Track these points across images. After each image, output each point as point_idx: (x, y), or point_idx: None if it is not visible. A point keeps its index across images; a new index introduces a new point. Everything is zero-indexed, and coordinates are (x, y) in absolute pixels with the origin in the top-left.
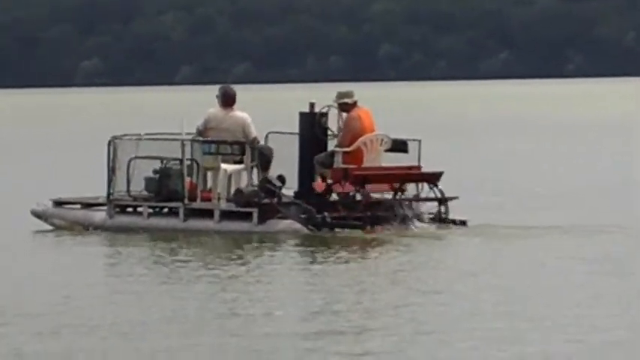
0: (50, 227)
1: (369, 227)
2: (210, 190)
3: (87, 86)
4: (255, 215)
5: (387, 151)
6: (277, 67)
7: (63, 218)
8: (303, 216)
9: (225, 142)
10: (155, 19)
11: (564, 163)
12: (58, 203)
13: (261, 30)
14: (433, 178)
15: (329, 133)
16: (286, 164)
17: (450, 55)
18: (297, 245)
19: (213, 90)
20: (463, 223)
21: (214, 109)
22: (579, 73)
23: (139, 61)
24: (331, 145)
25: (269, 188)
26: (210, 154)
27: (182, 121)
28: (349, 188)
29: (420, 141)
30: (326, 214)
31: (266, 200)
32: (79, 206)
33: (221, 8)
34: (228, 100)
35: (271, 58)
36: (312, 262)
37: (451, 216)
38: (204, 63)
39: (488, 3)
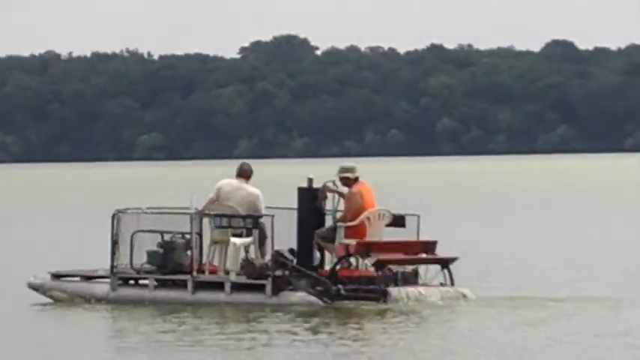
0: (48, 300)
1: (382, 299)
2: (204, 264)
3: (146, 160)
4: (268, 287)
5: (386, 225)
6: (336, 140)
7: (63, 291)
8: (318, 288)
9: (237, 216)
10: (214, 92)
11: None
12: (56, 276)
13: (321, 104)
14: (448, 263)
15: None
16: (279, 238)
17: (509, 130)
18: (311, 317)
19: (272, 164)
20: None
21: (228, 179)
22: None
23: (197, 134)
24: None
25: (281, 261)
26: (222, 227)
27: (191, 196)
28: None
29: (419, 216)
30: (340, 286)
31: (279, 272)
32: (77, 279)
33: (280, 82)
34: (242, 173)
35: (330, 132)
36: (327, 335)
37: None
38: (263, 137)
39: (547, 77)
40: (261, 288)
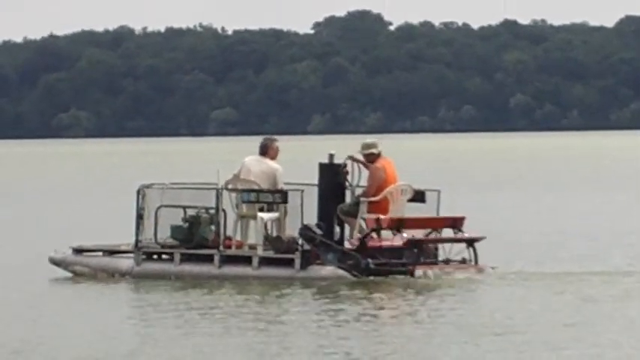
0: (69, 274)
1: (414, 271)
2: (229, 238)
3: (219, 135)
4: (297, 261)
5: (407, 200)
6: (409, 116)
7: (86, 265)
8: (349, 262)
9: (266, 191)
10: (288, 67)
11: None
12: (78, 251)
13: (394, 79)
14: (457, 223)
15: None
16: (293, 213)
17: (582, 105)
18: (342, 291)
19: (346, 139)
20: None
21: (250, 156)
22: None
23: (271, 110)
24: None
25: (309, 235)
26: (250, 202)
27: (218, 171)
28: (385, 238)
29: (439, 191)
30: (369, 260)
31: (307, 247)
32: (100, 253)
33: (354, 57)
34: (262, 150)
35: (403, 108)
36: (356, 310)
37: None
38: (337, 112)
39: (621, 52)
40: (289, 262)
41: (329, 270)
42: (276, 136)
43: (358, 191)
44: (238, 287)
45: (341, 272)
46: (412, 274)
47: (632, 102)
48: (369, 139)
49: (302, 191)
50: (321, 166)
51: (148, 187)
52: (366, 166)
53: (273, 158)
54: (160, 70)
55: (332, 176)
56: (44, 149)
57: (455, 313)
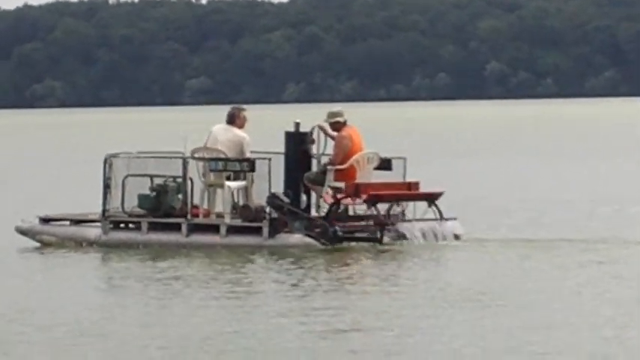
0: (37, 244)
1: (382, 240)
2: (196, 207)
3: (194, 104)
4: (265, 230)
5: (374, 168)
6: (384, 84)
7: (54, 235)
8: (316, 230)
9: (234, 160)
10: (263, 36)
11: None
12: (45, 220)
13: (369, 47)
14: (434, 197)
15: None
16: (260, 182)
17: (557, 73)
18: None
19: (321, 107)
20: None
21: (218, 125)
22: None
23: (246, 79)
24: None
25: (277, 203)
26: (217, 170)
27: (185, 139)
28: (359, 203)
29: (405, 159)
30: (337, 227)
31: (275, 215)
32: (67, 223)
33: (328, 26)
34: (229, 118)
35: (378, 76)
36: (324, 278)
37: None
38: (312, 80)
39: (596, 20)
40: (257, 230)
41: (297, 238)
42: (245, 105)
43: (324, 159)
44: (206, 255)
45: (309, 240)
46: (381, 241)
47: (607, 70)
48: (335, 107)
49: (269, 160)
50: (287, 134)
51: (115, 156)
52: (332, 138)
53: (240, 127)
54: (135, 40)
55: (298, 144)
56: (18, 119)
57: (425, 279)
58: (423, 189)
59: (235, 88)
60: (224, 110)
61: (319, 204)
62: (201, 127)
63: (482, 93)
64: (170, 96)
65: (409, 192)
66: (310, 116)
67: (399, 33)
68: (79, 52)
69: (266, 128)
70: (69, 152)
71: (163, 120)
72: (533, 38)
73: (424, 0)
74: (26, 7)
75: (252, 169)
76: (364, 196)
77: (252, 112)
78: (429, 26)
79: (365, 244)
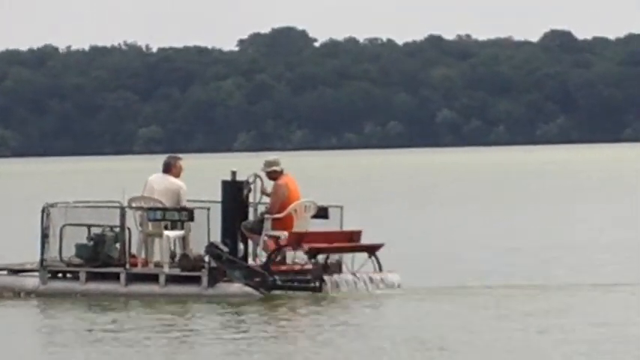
0: None
1: (318, 288)
2: (134, 256)
3: (146, 153)
4: (204, 279)
5: (311, 217)
6: (336, 132)
7: None
8: (256, 279)
9: (172, 209)
10: (213, 84)
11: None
12: None
13: (320, 96)
14: (374, 250)
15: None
16: (200, 231)
17: (508, 120)
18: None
19: (272, 156)
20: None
21: (154, 174)
22: (637, 137)
23: (197, 127)
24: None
25: (216, 252)
26: (156, 220)
27: (123, 189)
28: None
29: (342, 207)
30: (276, 277)
31: (214, 264)
32: (4, 272)
33: (279, 74)
34: (165, 167)
35: (330, 124)
36: (265, 326)
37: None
38: (263, 129)
39: (546, 67)
40: (196, 280)
41: (236, 287)
42: (196, 154)
43: (261, 208)
44: (145, 305)
45: (248, 289)
46: (320, 290)
47: (558, 116)
48: (271, 156)
49: (208, 209)
50: (224, 183)
51: (53, 205)
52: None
53: (176, 176)
54: (86, 89)
55: (235, 193)
56: None
57: (360, 328)
58: (364, 239)
59: (186, 136)
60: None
61: (256, 253)
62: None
63: (434, 141)
64: (122, 145)
65: (350, 244)
66: (259, 164)
67: (349, 81)
68: (30, 102)
69: (214, 177)
70: (11, 202)
71: (114, 169)
72: (485, 86)
73: (375, 48)
74: None
75: (191, 219)
76: (306, 247)
77: (202, 160)
78: (380, 74)
79: (303, 293)
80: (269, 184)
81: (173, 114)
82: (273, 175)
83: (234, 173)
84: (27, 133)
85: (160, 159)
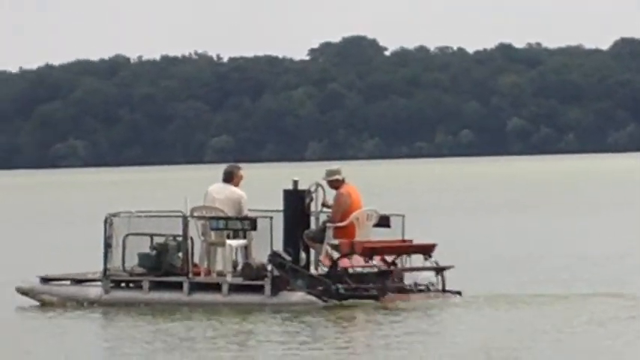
0: (37, 303)
1: (383, 297)
2: (196, 266)
3: (217, 163)
4: (267, 287)
5: (373, 226)
6: (407, 141)
7: (55, 294)
8: (319, 288)
9: (235, 218)
10: (284, 94)
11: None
12: (46, 280)
13: (391, 105)
14: (429, 250)
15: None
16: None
17: (578, 128)
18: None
19: (344, 164)
20: (459, 293)
21: (215, 184)
22: None
23: (268, 137)
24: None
25: (279, 261)
26: (219, 229)
27: (185, 199)
28: (356, 263)
29: (403, 216)
30: (339, 285)
31: (277, 273)
32: (67, 282)
33: (350, 83)
34: (226, 177)
35: (401, 133)
36: (327, 335)
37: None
38: (334, 138)
39: (616, 74)
40: (259, 289)
41: (299, 296)
42: (267, 163)
43: (323, 217)
44: (209, 314)
45: (311, 298)
46: (384, 295)
47: (629, 124)
48: (333, 166)
49: (271, 218)
50: (286, 192)
51: (115, 215)
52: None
53: (237, 185)
54: (156, 99)
55: (297, 202)
56: (40, 179)
57: (422, 339)
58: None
59: (257, 145)
60: (247, 168)
61: (318, 261)
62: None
63: (504, 149)
64: (192, 155)
65: (404, 244)
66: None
67: (420, 90)
68: (100, 112)
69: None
70: (78, 211)
71: (187, 178)
72: (555, 93)
73: (445, 57)
74: (47, 66)
75: (254, 228)
76: (359, 251)
77: (274, 170)
78: (450, 83)
79: (367, 301)
80: (331, 193)
81: (244, 123)
82: (335, 184)
83: (296, 182)
84: (97, 143)
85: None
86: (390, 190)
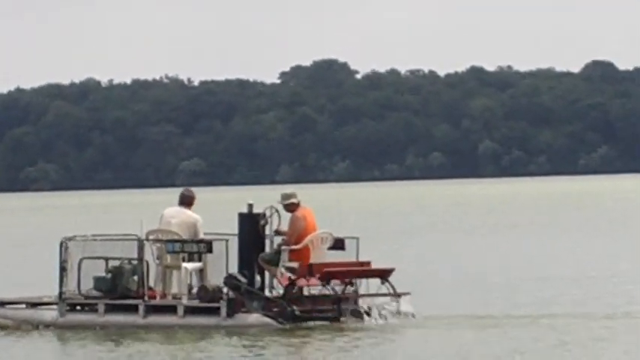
0: None
1: (339, 320)
2: (151, 289)
3: (188, 186)
4: (223, 310)
5: (328, 248)
6: (378, 164)
7: (10, 318)
8: (274, 309)
9: (190, 241)
10: (255, 117)
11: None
12: (1, 303)
13: (362, 128)
14: (386, 274)
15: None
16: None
17: (550, 151)
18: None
19: (314, 188)
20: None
21: (170, 207)
22: None
23: (239, 160)
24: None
25: (235, 283)
26: (175, 252)
27: (141, 222)
28: (313, 283)
29: (358, 239)
30: (295, 307)
31: (232, 295)
32: (23, 306)
33: (321, 106)
34: (183, 200)
35: (372, 156)
36: (284, 357)
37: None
38: (305, 161)
39: (588, 97)
40: (215, 311)
41: (255, 317)
42: (238, 186)
43: (278, 240)
44: (165, 336)
45: (267, 320)
46: (338, 319)
47: (600, 146)
48: (288, 189)
49: (227, 241)
50: (241, 215)
51: (71, 239)
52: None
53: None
54: (127, 123)
55: (251, 225)
56: (9, 203)
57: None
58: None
59: (229, 169)
60: (218, 192)
61: (273, 284)
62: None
63: (475, 172)
64: (163, 178)
65: (362, 268)
66: (303, 196)
67: (391, 113)
68: (71, 135)
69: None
70: (37, 235)
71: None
72: (526, 116)
73: (416, 79)
74: (18, 90)
75: (210, 250)
76: (318, 275)
77: (244, 193)
78: (421, 106)
79: (322, 323)
80: (286, 217)
81: (215, 147)
82: (291, 208)
83: (250, 205)
84: (68, 167)
85: (202, 191)
86: (358, 213)
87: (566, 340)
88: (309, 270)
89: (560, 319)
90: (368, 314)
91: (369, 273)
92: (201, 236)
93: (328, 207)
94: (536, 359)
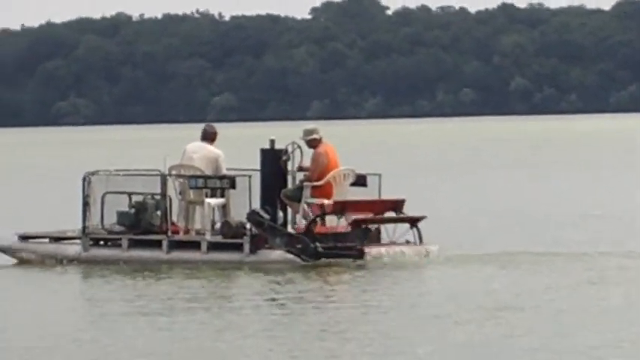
0: (15, 261)
1: (359, 256)
2: (173, 224)
3: (219, 121)
4: (246, 245)
5: (350, 185)
6: (408, 100)
7: (33, 252)
8: (298, 246)
9: (213, 177)
10: (286, 53)
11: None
12: (24, 237)
13: (392, 63)
14: (416, 221)
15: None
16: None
17: (580, 88)
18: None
19: (346, 124)
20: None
21: (192, 142)
22: None
23: (270, 95)
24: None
25: (257, 219)
26: (197, 188)
27: (165, 158)
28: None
29: (380, 175)
30: (317, 244)
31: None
32: (46, 240)
33: (352, 42)
34: (205, 135)
35: (402, 92)
36: (302, 294)
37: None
38: (335, 97)
39: (618, 35)
40: (238, 247)
41: (278, 254)
42: (269, 122)
43: (300, 176)
44: (188, 272)
45: (290, 256)
46: (361, 256)
47: (630, 84)
48: (310, 125)
49: (249, 177)
50: (263, 151)
51: (93, 174)
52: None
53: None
54: (158, 57)
55: (274, 161)
56: (41, 137)
57: (401, 295)
58: (408, 210)
59: (260, 104)
60: (249, 127)
61: (295, 220)
62: (226, 144)
63: (506, 109)
64: (194, 113)
65: (374, 200)
66: (336, 132)
67: (422, 49)
68: (102, 69)
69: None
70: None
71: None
72: (556, 54)
73: (446, 16)
74: (49, 24)
75: (233, 186)
76: (349, 218)
77: (275, 129)
78: (451, 42)
79: (345, 260)
80: (308, 153)
81: (246, 82)
82: (313, 143)
83: (272, 141)
84: (99, 101)
85: (234, 127)
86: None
87: (601, 277)
88: (342, 208)
89: (598, 258)
90: (392, 252)
91: (400, 220)
92: (224, 172)
93: (359, 143)
94: (571, 295)
